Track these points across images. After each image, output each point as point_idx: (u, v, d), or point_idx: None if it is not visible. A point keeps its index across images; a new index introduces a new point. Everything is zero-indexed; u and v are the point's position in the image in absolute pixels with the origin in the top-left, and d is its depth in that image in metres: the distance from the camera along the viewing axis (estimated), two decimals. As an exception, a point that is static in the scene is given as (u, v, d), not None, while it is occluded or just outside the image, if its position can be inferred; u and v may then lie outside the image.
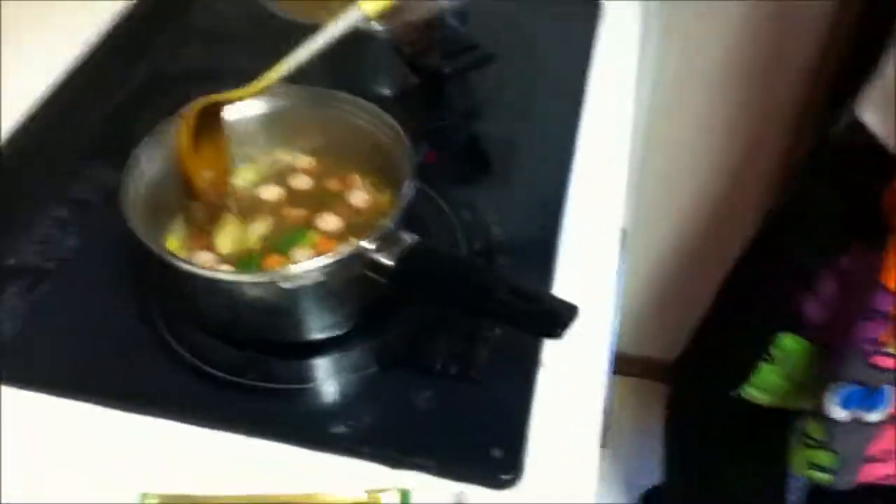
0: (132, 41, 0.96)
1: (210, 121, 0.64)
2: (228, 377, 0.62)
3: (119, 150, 0.77)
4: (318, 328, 0.63)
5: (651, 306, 1.58)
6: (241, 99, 0.66)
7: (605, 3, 0.98)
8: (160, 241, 0.63)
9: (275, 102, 0.71)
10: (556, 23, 0.97)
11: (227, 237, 0.66)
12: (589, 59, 0.91)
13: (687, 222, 1.45)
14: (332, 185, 0.71)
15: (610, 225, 0.75)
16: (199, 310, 0.65)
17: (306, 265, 0.58)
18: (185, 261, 0.60)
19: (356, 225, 0.67)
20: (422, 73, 0.78)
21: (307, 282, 0.58)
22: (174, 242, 0.67)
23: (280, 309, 0.61)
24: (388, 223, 0.60)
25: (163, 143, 0.66)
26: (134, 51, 0.94)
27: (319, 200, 0.69)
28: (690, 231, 1.46)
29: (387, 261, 0.59)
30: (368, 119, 0.68)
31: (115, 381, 0.63)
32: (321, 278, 0.58)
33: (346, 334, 0.64)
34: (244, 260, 0.65)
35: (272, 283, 0.58)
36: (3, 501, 0.52)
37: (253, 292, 0.60)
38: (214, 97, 0.64)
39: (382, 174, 0.69)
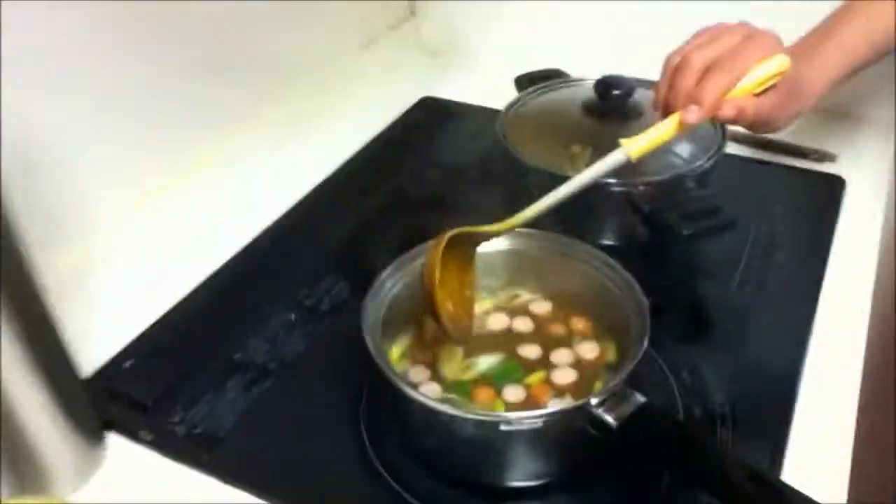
0: (381, 163, 1.02)
1: (460, 251, 0.65)
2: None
3: (354, 265, 0.82)
4: (524, 475, 0.61)
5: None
6: (495, 234, 0.67)
7: (847, 179, 0.94)
8: (388, 357, 0.63)
9: (517, 241, 0.72)
10: (797, 194, 0.94)
11: (452, 362, 0.66)
12: (830, 238, 0.87)
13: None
14: (559, 329, 0.70)
15: (846, 408, 0.68)
16: (410, 435, 0.64)
17: (532, 413, 0.57)
18: (412, 386, 0.61)
19: (581, 377, 0.65)
20: (657, 230, 0.77)
21: (525, 427, 0.56)
22: (396, 351, 0.68)
23: (491, 450, 0.59)
24: (618, 381, 0.58)
25: (403, 269, 0.68)
26: (381, 172, 1.00)
27: (544, 344, 0.68)
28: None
29: (611, 419, 0.56)
30: (604, 270, 0.68)
31: (314, 492, 0.63)
32: (540, 426, 0.56)
33: (549, 484, 0.62)
34: (456, 386, 0.65)
35: (491, 424, 0.56)
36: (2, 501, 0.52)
37: (469, 429, 0.58)
38: (469, 229, 0.65)
39: (606, 325, 0.68)
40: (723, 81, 0.64)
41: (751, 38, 0.65)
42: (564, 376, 0.66)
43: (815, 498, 0.50)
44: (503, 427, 0.56)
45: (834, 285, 0.81)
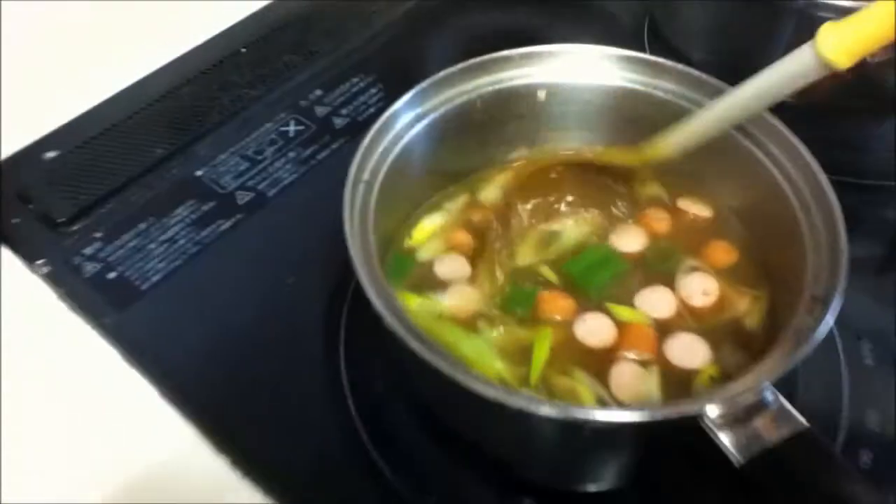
0: None
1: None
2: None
3: (393, 64, 0.56)
4: (606, 478, 0.37)
5: None
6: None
7: None
8: (378, 266, 0.38)
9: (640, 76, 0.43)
10: None
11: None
12: None
13: None
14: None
15: None
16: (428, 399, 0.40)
17: (621, 413, 0.32)
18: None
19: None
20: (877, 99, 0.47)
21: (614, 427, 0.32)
22: (423, 229, 0.44)
23: (565, 447, 0.35)
24: (763, 385, 0.31)
25: (430, 99, 0.41)
26: None
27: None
28: None
29: (734, 448, 0.31)
30: (784, 166, 0.39)
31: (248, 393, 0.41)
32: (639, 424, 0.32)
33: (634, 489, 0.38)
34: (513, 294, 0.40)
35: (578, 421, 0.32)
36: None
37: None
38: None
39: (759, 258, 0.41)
40: None
41: None
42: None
43: None
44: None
45: None
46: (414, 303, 0.39)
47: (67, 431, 0.40)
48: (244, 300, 0.45)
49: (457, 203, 0.44)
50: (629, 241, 0.43)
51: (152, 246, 0.47)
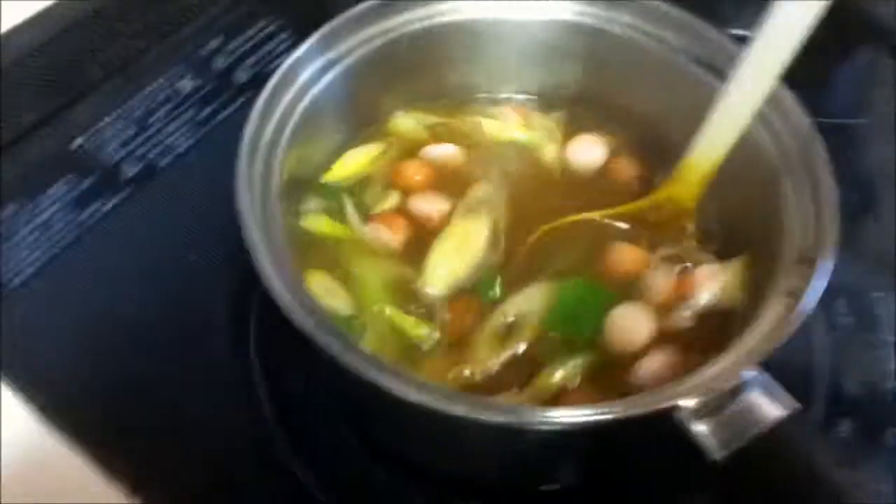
0: None
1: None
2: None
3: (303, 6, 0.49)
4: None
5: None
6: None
7: None
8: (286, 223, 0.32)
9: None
10: None
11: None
12: None
13: None
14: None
15: None
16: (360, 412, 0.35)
17: (584, 412, 0.26)
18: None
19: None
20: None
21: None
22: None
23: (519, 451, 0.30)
24: (753, 372, 0.27)
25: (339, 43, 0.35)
26: None
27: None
28: None
29: (713, 442, 0.26)
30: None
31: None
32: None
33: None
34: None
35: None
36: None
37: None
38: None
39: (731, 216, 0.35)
40: None
41: None
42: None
43: None
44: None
45: None
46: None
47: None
48: (135, 292, 0.38)
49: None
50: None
51: (23, 233, 0.40)
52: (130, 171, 0.42)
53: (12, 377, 0.35)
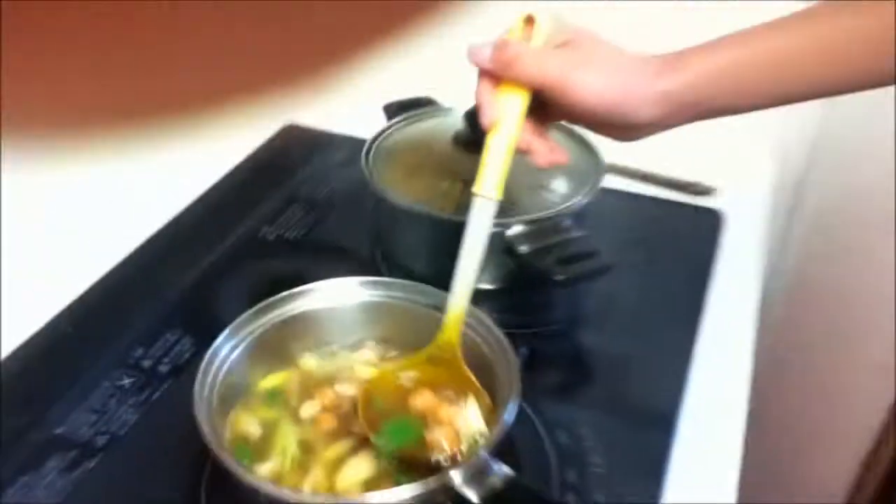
0: (231, 203, 0.93)
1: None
2: None
3: (200, 318, 0.74)
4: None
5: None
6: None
7: (729, 216, 0.92)
8: (222, 433, 0.55)
9: (373, 291, 0.65)
10: (676, 229, 0.91)
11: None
12: (709, 273, 0.84)
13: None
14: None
15: (727, 472, 0.65)
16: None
17: (391, 493, 0.50)
18: (247, 472, 0.53)
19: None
20: (532, 275, 0.72)
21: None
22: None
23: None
24: (481, 453, 0.51)
25: (242, 332, 0.61)
26: (231, 214, 0.91)
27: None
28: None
29: (474, 497, 0.50)
30: (474, 326, 0.61)
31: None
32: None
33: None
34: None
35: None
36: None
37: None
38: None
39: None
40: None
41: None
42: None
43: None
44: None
45: (714, 325, 0.77)
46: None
47: None
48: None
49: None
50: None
51: (36, 491, 0.60)
52: (100, 442, 0.64)
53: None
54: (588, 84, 0.56)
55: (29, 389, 0.68)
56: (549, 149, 0.61)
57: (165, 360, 0.71)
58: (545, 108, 0.59)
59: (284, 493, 0.51)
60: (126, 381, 0.69)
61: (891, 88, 0.57)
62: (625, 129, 0.59)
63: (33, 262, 0.76)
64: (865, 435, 1.26)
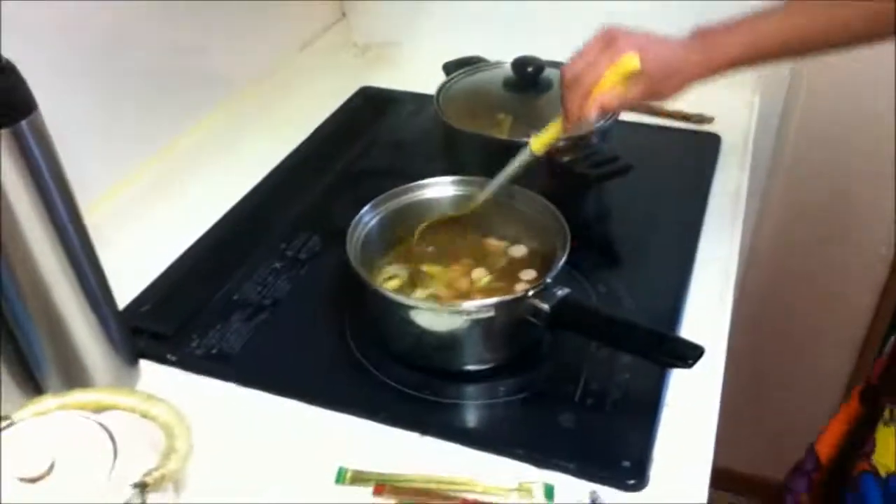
0: (330, 145, 1.18)
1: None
2: (408, 391, 0.77)
3: (322, 223, 0.99)
4: (482, 359, 0.79)
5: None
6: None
7: (724, 138, 1.15)
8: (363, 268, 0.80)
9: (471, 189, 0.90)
10: (682, 151, 1.15)
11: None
12: (709, 182, 1.08)
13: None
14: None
15: (721, 318, 0.88)
16: (387, 334, 0.81)
17: (483, 301, 0.75)
18: (382, 289, 0.78)
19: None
20: (573, 178, 0.95)
21: (481, 316, 0.74)
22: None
23: (453, 338, 0.77)
24: (546, 279, 0.76)
25: (377, 208, 0.87)
26: (329, 155, 1.16)
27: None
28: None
29: (544, 306, 0.74)
30: (537, 208, 0.86)
31: (313, 384, 0.79)
32: (492, 314, 0.74)
33: (502, 366, 0.79)
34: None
35: (452, 313, 0.74)
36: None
37: (428, 317, 0.76)
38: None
39: (542, 248, 0.86)
40: (577, 94, 0.78)
41: (608, 46, 0.77)
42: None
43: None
44: (463, 316, 0.74)
45: (712, 218, 1.01)
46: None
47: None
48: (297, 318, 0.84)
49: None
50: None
51: (227, 333, 0.85)
52: (267, 302, 0.89)
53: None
54: (667, 94, 0.79)
55: (209, 272, 0.93)
56: None
57: (303, 251, 0.96)
58: None
59: (400, 297, 0.77)
60: (277, 265, 0.94)
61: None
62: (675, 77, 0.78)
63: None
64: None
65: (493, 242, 0.90)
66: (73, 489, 0.58)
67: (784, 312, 1.52)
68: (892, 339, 1.00)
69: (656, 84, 0.77)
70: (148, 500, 0.59)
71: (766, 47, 0.77)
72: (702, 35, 0.78)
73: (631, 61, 0.76)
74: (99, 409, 0.66)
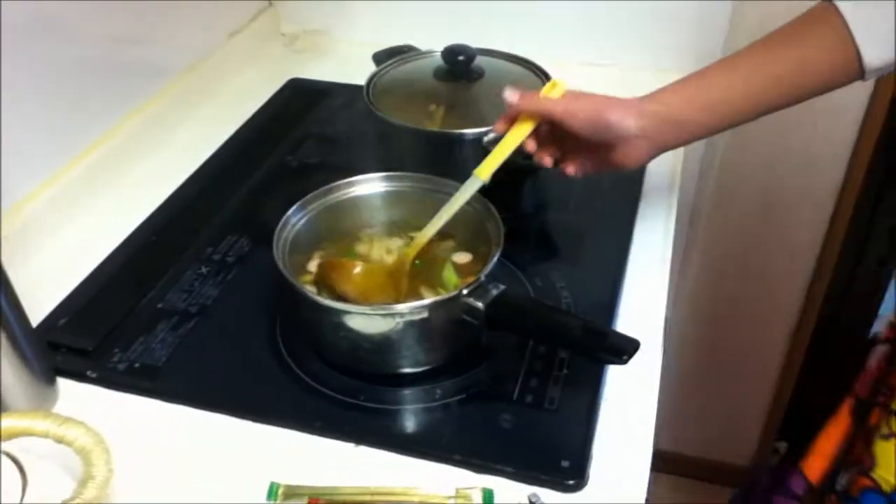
0: (259, 139, 1.15)
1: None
2: (342, 398, 0.75)
3: (250, 223, 0.96)
4: (418, 362, 0.77)
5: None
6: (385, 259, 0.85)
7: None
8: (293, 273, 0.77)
9: (398, 184, 0.88)
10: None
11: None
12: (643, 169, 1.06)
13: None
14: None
15: (656, 308, 0.87)
16: (320, 340, 0.79)
17: (416, 303, 0.73)
18: (313, 294, 0.75)
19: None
20: (508, 170, 0.93)
21: (415, 317, 0.72)
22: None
23: (388, 341, 0.74)
24: (480, 276, 0.74)
25: (305, 209, 0.83)
26: (258, 150, 1.12)
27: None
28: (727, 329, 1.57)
29: (479, 304, 0.72)
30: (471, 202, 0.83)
31: (243, 396, 0.76)
32: (426, 315, 0.72)
33: (439, 368, 0.77)
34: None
35: (385, 315, 0.72)
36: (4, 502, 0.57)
37: (366, 323, 0.73)
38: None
39: (475, 244, 0.84)
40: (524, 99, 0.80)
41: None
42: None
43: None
44: (391, 316, 0.72)
45: (648, 205, 1.00)
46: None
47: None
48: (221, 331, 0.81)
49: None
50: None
51: (152, 346, 0.81)
52: (193, 310, 0.85)
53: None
54: (580, 107, 0.78)
55: (132, 280, 0.89)
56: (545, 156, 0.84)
57: (230, 254, 0.93)
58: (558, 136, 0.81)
59: (330, 302, 0.74)
60: (204, 270, 0.90)
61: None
62: (617, 144, 0.78)
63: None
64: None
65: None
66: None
67: (725, 295, 1.53)
68: (875, 349, 1.00)
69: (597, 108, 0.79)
70: (63, 534, 0.55)
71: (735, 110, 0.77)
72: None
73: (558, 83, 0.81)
74: (10, 437, 0.62)
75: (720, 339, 1.58)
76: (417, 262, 0.83)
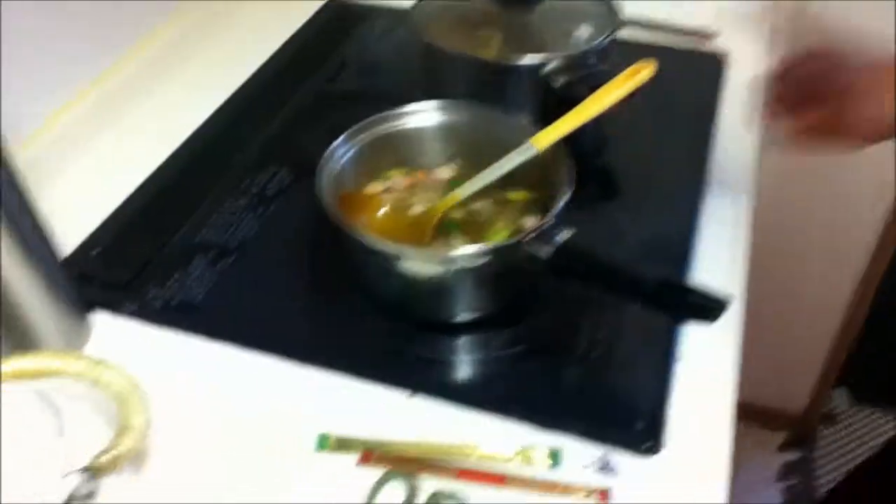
0: (297, 64, 1.07)
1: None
2: (394, 344, 0.70)
3: (290, 155, 0.89)
4: (475, 308, 0.71)
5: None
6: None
7: (733, 58, 1.06)
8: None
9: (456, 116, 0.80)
10: (686, 71, 1.04)
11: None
12: (715, 105, 0.98)
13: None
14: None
15: (737, 248, 0.81)
16: (368, 283, 0.73)
17: (475, 248, 0.66)
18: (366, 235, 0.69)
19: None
20: (570, 103, 0.86)
21: (474, 263, 0.66)
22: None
23: (445, 286, 0.69)
24: (548, 219, 0.67)
25: (352, 140, 0.77)
26: (295, 76, 1.05)
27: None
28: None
29: (543, 251, 0.66)
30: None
31: (292, 340, 0.71)
32: (487, 260, 0.66)
33: (498, 317, 0.71)
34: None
35: (442, 261, 0.66)
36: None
37: (421, 268, 0.67)
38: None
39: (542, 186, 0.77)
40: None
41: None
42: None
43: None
44: (448, 262, 0.66)
45: (722, 147, 0.92)
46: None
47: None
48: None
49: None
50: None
51: (187, 280, 0.76)
52: (233, 243, 0.80)
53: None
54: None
55: (167, 210, 0.83)
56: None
57: (270, 186, 0.87)
58: None
59: (383, 245, 0.67)
60: (242, 202, 0.84)
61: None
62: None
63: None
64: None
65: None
66: (8, 478, 0.49)
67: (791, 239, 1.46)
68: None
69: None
70: (100, 487, 0.51)
71: None
72: None
73: None
74: (41, 377, 0.57)
75: (780, 282, 1.51)
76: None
